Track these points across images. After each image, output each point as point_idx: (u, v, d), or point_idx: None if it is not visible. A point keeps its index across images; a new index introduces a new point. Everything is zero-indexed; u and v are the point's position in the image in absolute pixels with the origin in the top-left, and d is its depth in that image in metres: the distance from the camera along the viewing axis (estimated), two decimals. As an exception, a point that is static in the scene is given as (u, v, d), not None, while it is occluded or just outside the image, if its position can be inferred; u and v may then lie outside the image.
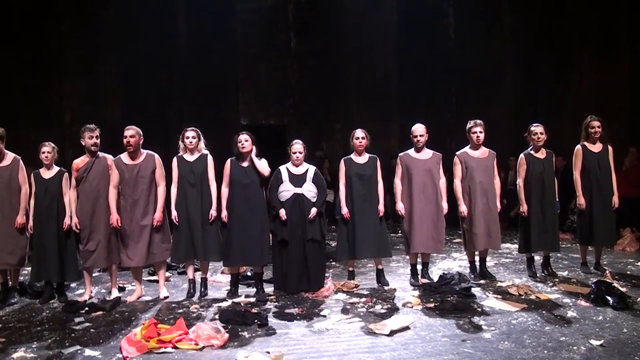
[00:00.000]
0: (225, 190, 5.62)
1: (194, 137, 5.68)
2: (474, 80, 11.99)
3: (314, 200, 5.68)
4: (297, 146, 5.76)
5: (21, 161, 5.63)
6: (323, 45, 12.14)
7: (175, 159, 5.65)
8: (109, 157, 5.55)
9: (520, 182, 6.05)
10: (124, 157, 5.53)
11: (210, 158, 5.69)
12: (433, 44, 12.10)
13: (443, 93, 12.23)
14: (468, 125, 6.05)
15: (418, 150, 5.96)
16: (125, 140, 5.48)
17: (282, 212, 5.61)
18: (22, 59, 10.67)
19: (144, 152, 5.61)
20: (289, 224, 5.61)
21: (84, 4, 11.00)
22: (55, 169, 5.60)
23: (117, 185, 5.45)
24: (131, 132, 5.51)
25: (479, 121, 6.01)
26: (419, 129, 5.95)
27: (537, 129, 6.02)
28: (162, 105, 11.61)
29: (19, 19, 10.78)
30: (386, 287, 5.83)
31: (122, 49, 11.30)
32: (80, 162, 5.48)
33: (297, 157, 5.71)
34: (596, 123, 6.10)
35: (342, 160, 6.02)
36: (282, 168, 5.81)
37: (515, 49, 11.78)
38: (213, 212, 5.53)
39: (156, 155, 5.61)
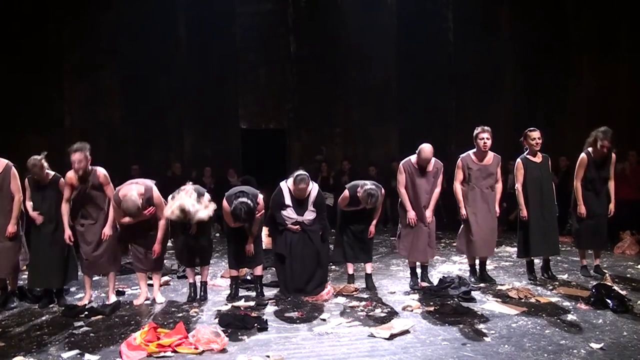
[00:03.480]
0: None
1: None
2: (473, 84, 12.02)
3: (313, 223, 5.72)
4: (302, 186, 5.56)
5: (14, 168, 5.45)
6: (323, 49, 12.16)
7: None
8: (100, 171, 5.41)
9: (518, 186, 6.03)
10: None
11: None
12: (432, 48, 12.13)
13: (442, 97, 12.25)
14: (475, 131, 5.95)
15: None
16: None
17: (295, 227, 5.65)
18: (22, 62, 10.70)
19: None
20: (289, 244, 5.67)
21: (84, 8, 11.04)
22: (51, 173, 5.50)
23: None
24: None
25: (486, 127, 5.93)
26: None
27: (535, 133, 6.00)
28: (161, 110, 11.64)
29: (19, 23, 10.82)
30: (375, 291, 5.81)
31: (122, 53, 11.34)
32: (73, 177, 5.33)
33: (300, 196, 5.64)
34: (606, 143, 5.90)
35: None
36: (285, 189, 5.71)
37: (514, 52, 11.82)
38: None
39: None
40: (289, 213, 5.67)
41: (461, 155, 6.08)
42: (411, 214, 5.82)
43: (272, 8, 12.21)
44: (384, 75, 12.41)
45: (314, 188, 5.74)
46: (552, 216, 6.04)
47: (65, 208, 5.37)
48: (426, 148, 5.71)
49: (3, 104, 10.51)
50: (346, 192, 5.78)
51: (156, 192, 5.41)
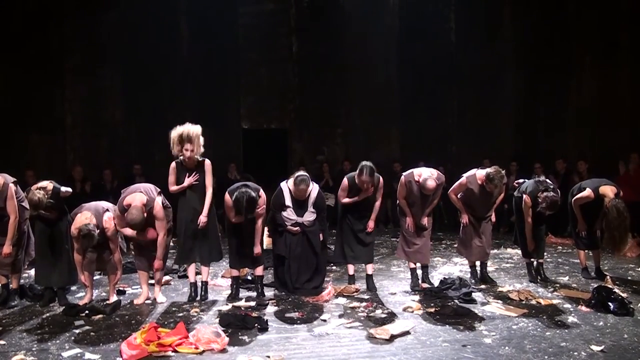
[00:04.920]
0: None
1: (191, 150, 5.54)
2: (475, 84, 12.00)
3: (313, 224, 5.73)
4: (303, 187, 5.57)
5: (12, 186, 5.31)
6: (324, 49, 12.13)
7: (174, 164, 5.64)
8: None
9: (529, 220, 5.96)
10: None
11: (207, 163, 5.65)
12: (434, 49, 12.11)
13: (444, 97, 12.23)
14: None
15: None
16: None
17: (295, 228, 5.67)
18: (23, 62, 10.69)
19: None
20: (288, 245, 5.70)
21: (85, 7, 11.03)
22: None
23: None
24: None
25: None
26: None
27: (545, 209, 5.78)
28: (163, 109, 11.60)
29: (21, 22, 10.81)
30: (376, 292, 5.81)
31: (124, 52, 11.33)
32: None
33: (300, 197, 5.64)
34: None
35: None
36: (285, 190, 5.72)
37: (516, 53, 11.80)
38: (203, 218, 5.51)
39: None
40: (289, 214, 5.68)
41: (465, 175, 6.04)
42: (409, 220, 5.88)
43: (274, 8, 12.19)
44: (385, 76, 12.38)
45: (314, 189, 5.74)
46: (543, 225, 6.16)
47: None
48: (429, 184, 5.56)
49: (5, 103, 10.51)
50: (345, 181, 5.80)
51: (158, 205, 5.34)
